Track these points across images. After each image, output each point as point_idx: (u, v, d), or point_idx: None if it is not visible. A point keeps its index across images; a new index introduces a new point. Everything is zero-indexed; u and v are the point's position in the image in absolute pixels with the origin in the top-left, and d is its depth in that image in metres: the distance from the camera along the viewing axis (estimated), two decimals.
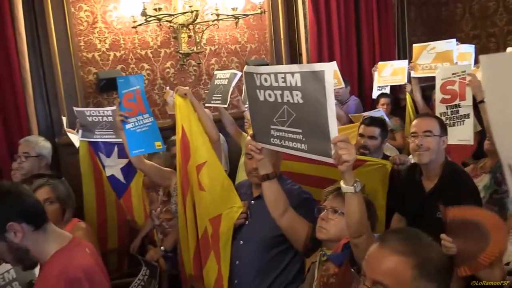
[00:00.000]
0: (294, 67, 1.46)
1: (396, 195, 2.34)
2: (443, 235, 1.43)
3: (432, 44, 3.69)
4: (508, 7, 5.56)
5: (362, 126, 2.88)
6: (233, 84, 3.02)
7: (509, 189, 0.70)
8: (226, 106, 3.10)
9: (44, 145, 3.03)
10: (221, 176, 2.23)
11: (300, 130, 1.52)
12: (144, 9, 3.48)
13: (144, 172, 2.78)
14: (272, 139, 1.67)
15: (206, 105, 3.38)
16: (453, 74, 2.73)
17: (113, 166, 3.17)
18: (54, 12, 3.64)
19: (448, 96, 2.70)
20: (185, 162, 2.35)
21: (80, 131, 3.16)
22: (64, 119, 3.52)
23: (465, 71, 2.68)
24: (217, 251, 2.16)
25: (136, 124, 2.45)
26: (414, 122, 2.27)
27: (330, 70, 1.34)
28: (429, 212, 2.00)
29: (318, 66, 1.37)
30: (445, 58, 3.55)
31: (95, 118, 3.04)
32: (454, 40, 3.63)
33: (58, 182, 2.23)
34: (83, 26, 3.80)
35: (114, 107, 2.87)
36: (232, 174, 3.53)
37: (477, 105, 2.68)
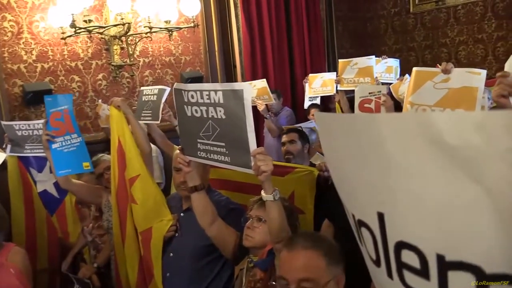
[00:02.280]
0: (217, 86, 1.56)
1: (328, 203, 2.45)
2: None
3: (355, 60, 3.96)
4: (424, 23, 6.05)
5: (283, 136, 3.15)
6: (163, 100, 3.05)
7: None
8: (158, 122, 3.13)
9: None
10: (153, 190, 2.25)
11: (223, 144, 1.61)
12: (73, 20, 3.42)
13: (72, 192, 2.72)
14: (199, 152, 1.74)
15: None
16: (370, 93, 2.95)
17: (45, 181, 3.07)
18: None
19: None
20: (122, 173, 2.34)
21: (9, 146, 3.03)
22: None
23: (380, 91, 2.90)
24: (150, 263, 2.18)
25: (63, 143, 2.41)
26: None
27: (248, 89, 1.45)
28: None
29: (237, 85, 1.47)
30: (366, 73, 3.82)
31: (25, 132, 2.94)
32: (373, 56, 3.92)
33: None
34: (7, 36, 3.65)
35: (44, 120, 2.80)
36: (167, 186, 3.54)
37: None
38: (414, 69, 2.24)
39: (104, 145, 3.92)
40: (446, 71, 2.17)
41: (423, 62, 6.01)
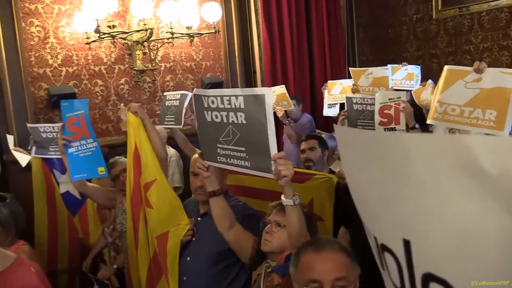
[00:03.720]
0: (238, 91, 1.57)
1: (344, 210, 2.44)
2: None
3: (370, 69, 3.92)
4: (448, 30, 5.97)
5: (302, 142, 3.13)
6: (185, 105, 3.08)
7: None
8: (181, 126, 3.17)
9: None
10: (170, 194, 2.27)
11: (243, 149, 1.62)
12: (98, 26, 3.50)
13: (88, 196, 2.76)
14: (218, 157, 1.76)
15: (160, 126, 3.43)
16: (389, 99, 2.92)
17: (68, 183, 3.12)
18: (4, 27, 3.59)
19: (385, 119, 2.89)
20: (137, 178, 2.37)
21: (34, 147, 3.11)
22: (10, 137, 3.42)
23: (400, 97, 2.88)
24: (164, 267, 2.20)
25: (79, 148, 2.43)
26: None
27: (269, 94, 1.45)
28: None
29: (259, 90, 1.48)
30: (381, 83, 3.77)
31: (49, 134, 3.01)
32: (389, 67, 3.88)
33: (0, 204, 2.16)
34: (34, 41, 3.76)
35: None
36: (186, 190, 3.57)
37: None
38: (446, 67, 2.20)
39: (125, 148, 3.97)
40: (478, 71, 2.12)
41: None
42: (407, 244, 0.60)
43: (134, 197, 2.38)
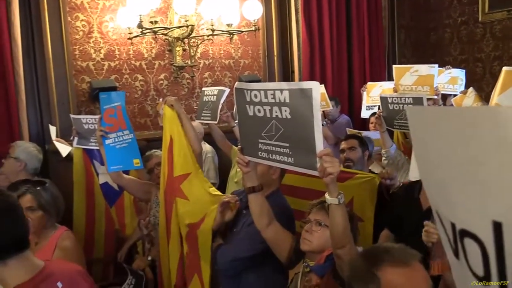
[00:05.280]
0: (283, 85, 1.52)
1: (390, 212, 2.37)
2: (427, 222, 1.46)
3: (416, 66, 3.79)
4: (494, 33, 5.73)
5: (342, 142, 3.08)
6: (222, 101, 3.08)
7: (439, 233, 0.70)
8: (216, 122, 3.16)
9: (26, 149, 3.00)
10: (206, 189, 2.26)
11: (287, 144, 1.58)
12: (141, 21, 3.55)
13: (123, 187, 2.78)
14: (260, 152, 1.73)
15: (197, 121, 3.44)
16: None
17: (107, 174, 3.18)
18: (51, 21, 3.69)
19: None
20: (171, 171, 2.38)
21: (76, 138, 3.18)
22: (52, 128, 3.52)
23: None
24: (195, 252, 2.17)
25: (116, 140, 2.45)
26: None
27: (317, 88, 1.41)
28: None
29: (306, 84, 1.44)
30: (425, 82, 3.65)
31: (91, 126, 3.07)
32: (436, 65, 3.74)
33: (41, 189, 2.18)
34: (79, 35, 3.85)
35: None
36: (221, 186, 3.58)
37: None
38: (504, 68, 2.11)
39: (162, 142, 4.04)
40: None
41: (490, 74, 5.69)
42: (497, 226, 0.55)
43: (168, 190, 2.39)
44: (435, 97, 3.80)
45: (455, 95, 4.44)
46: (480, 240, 0.58)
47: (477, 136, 0.54)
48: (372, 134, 3.60)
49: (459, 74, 4.47)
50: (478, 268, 0.60)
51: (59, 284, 1.34)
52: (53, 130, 3.49)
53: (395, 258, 1.16)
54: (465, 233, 0.60)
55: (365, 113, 4.61)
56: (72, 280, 1.42)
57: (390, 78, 5.45)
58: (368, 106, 4.63)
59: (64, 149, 3.32)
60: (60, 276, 1.37)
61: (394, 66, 4.00)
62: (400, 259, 1.15)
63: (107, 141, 2.46)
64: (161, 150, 2.62)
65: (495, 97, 2.08)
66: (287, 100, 1.51)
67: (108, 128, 2.45)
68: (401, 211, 2.26)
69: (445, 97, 4.37)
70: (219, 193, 2.25)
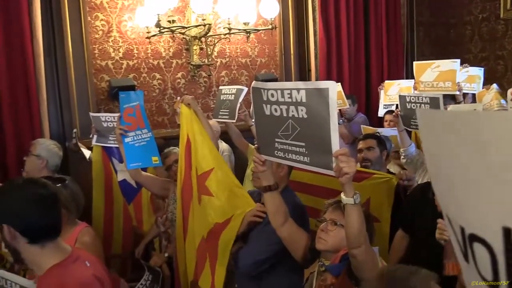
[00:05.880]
0: (300, 84, 1.53)
1: (405, 213, 2.35)
2: (440, 220, 1.45)
3: (437, 62, 3.73)
4: None
5: (360, 142, 3.02)
6: (240, 99, 3.09)
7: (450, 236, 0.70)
8: (234, 121, 3.17)
9: (47, 147, 3.04)
10: (231, 181, 2.27)
11: (303, 144, 1.58)
12: (159, 20, 3.59)
13: (143, 185, 2.82)
14: (276, 151, 1.74)
15: (214, 119, 3.46)
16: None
17: (125, 171, 3.22)
18: (71, 20, 3.76)
19: None
20: (188, 169, 2.40)
21: (95, 136, 3.24)
22: (75, 131, 3.58)
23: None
24: (214, 253, 2.19)
25: (135, 138, 2.50)
26: None
27: (334, 88, 1.41)
28: None
29: (323, 84, 1.44)
30: (447, 77, 3.59)
31: (110, 124, 3.12)
32: (458, 60, 3.68)
33: (61, 186, 2.21)
34: (98, 34, 3.91)
35: None
36: None
37: None
38: None
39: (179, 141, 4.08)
40: None
41: None
42: (507, 232, 0.55)
43: (185, 187, 2.42)
44: (457, 92, 3.74)
45: (473, 94, 4.37)
46: (489, 245, 0.58)
47: (488, 141, 0.54)
48: (389, 131, 3.57)
49: (478, 72, 4.39)
50: (487, 273, 0.60)
51: (87, 263, 1.53)
52: (76, 134, 3.57)
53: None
54: (474, 238, 0.60)
55: (382, 112, 4.57)
56: (94, 262, 1.61)
57: (409, 76, 5.40)
58: (385, 105, 4.59)
59: (87, 153, 3.40)
60: (86, 258, 1.57)
61: (414, 62, 3.95)
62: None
63: (126, 139, 2.50)
64: (178, 148, 2.65)
65: None
66: (304, 100, 1.52)
67: (127, 126, 2.50)
68: (415, 212, 2.25)
69: (464, 95, 4.30)
70: (245, 193, 2.25)
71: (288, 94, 1.58)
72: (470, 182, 0.58)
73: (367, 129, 3.90)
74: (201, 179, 2.32)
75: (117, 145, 3.13)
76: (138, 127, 2.51)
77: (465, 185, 0.59)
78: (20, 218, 1.39)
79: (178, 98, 4.04)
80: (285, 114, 1.63)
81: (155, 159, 2.54)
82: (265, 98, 1.73)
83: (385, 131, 3.59)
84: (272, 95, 1.68)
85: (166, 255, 2.83)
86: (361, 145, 2.99)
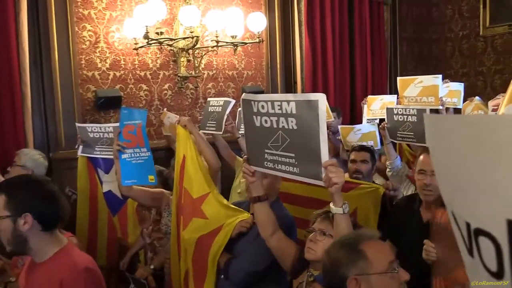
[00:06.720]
0: (290, 96, 1.56)
1: (391, 225, 2.36)
2: (426, 240, 1.48)
3: (420, 77, 3.81)
4: (495, 47, 5.80)
5: (353, 152, 3.04)
6: (227, 111, 3.11)
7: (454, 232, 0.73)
8: (221, 133, 3.19)
9: (32, 157, 3.02)
10: (224, 205, 2.30)
11: (293, 154, 1.61)
12: (147, 32, 3.60)
13: (133, 199, 2.78)
14: (265, 162, 1.76)
15: (201, 131, 3.47)
16: None
17: (110, 182, 3.19)
18: (58, 30, 3.74)
19: None
20: (181, 188, 2.43)
21: (81, 146, 3.21)
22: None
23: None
24: (204, 264, 2.19)
25: (133, 155, 2.48)
26: (421, 159, 2.25)
27: (323, 100, 1.45)
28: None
29: (312, 96, 1.48)
30: (430, 92, 3.67)
31: (96, 134, 3.10)
32: (440, 75, 3.78)
33: None
34: (85, 45, 3.90)
35: (115, 124, 2.93)
36: (224, 197, 3.58)
37: None
38: None
39: (165, 152, 4.07)
40: None
41: (491, 87, 5.74)
42: (511, 224, 0.59)
43: (179, 205, 2.44)
44: (441, 107, 3.84)
45: (454, 108, 4.48)
46: (494, 238, 0.62)
47: (492, 141, 0.58)
48: (368, 127, 3.67)
49: (458, 87, 4.51)
50: (491, 265, 0.64)
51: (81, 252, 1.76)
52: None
53: (367, 236, 1.39)
54: (480, 232, 0.64)
55: None
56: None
57: (392, 91, 5.51)
58: (368, 119, 4.66)
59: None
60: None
61: (398, 78, 4.03)
62: (369, 237, 1.39)
63: (123, 156, 2.48)
64: (173, 160, 2.67)
65: (503, 107, 2.13)
66: (294, 111, 1.55)
67: (126, 143, 2.48)
68: (401, 223, 2.28)
69: (446, 109, 4.42)
70: (233, 206, 2.28)
71: (278, 105, 1.61)
72: (476, 180, 0.62)
73: (344, 128, 3.95)
74: (198, 202, 2.34)
75: (102, 156, 3.12)
76: (138, 145, 2.49)
77: (471, 183, 0.63)
78: (40, 207, 1.57)
79: (165, 109, 4.06)
80: (275, 126, 1.66)
81: (151, 178, 2.51)
82: (255, 110, 1.75)
83: (364, 127, 3.66)
84: (263, 107, 1.71)
85: (151, 267, 2.81)
86: (354, 156, 3.00)
